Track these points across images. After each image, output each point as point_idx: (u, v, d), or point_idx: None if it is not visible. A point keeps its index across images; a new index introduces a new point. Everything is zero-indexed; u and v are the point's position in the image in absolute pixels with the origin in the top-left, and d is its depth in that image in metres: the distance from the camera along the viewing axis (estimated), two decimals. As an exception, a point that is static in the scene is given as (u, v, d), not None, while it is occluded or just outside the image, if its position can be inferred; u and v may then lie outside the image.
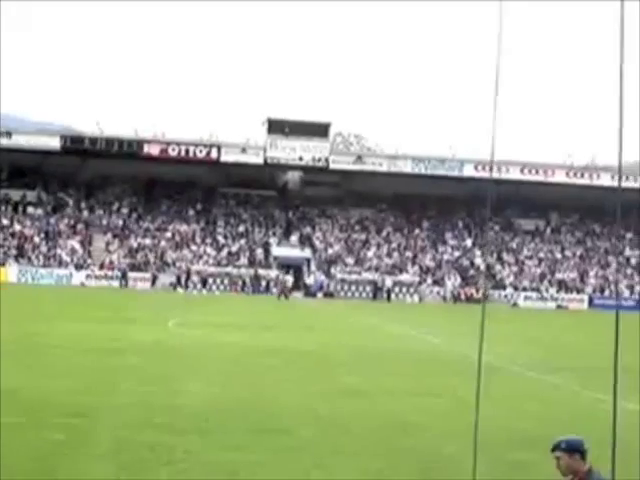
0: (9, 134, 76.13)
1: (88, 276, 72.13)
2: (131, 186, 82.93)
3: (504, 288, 77.04)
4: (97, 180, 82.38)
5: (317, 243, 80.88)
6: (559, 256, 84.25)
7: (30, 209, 79.38)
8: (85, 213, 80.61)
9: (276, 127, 79.57)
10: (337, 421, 18.06)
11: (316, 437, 16.47)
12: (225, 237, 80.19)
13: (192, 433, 16.14)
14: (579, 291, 79.41)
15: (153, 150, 78.51)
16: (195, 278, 72.47)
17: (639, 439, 15.40)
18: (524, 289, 78.14)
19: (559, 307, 75.84)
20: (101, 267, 73.70)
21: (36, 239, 76.01)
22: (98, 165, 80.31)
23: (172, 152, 78.60)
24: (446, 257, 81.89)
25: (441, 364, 29.24)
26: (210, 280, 72.75)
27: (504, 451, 15.33)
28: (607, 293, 78.93)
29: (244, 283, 73.18)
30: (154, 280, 72.52)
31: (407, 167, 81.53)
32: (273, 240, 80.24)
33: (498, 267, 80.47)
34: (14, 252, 73.79)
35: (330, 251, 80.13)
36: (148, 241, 78.01)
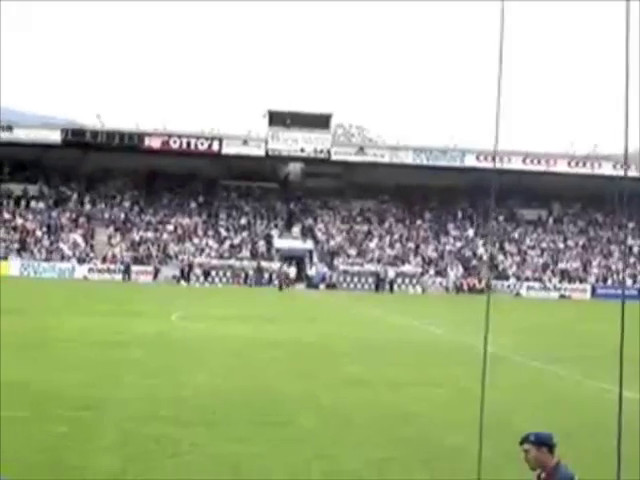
0: (10, 128, 76.14)
1: (91, 270, 72.18)
2: (132, 179, 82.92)
3: (507, 278, 77.03)
4: (99, 173, 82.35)
5: (319, 235, 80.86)
6: (562, 246, 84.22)
7: (32, 203, 79.38)
8: (87, 206, 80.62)
9: (277, 119, 79.52)
10: (340, 411, 18.05)
11: (319, 428, 16.47)
12: (227, 230, 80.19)
13: (197, 425, 16.15)
14: (582, 281, 79.38)
15: (154, 143, 78.50)
16: (198, 271, 72.50)
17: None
18: (527, 279, 78.13)
19: (562, 297, 75.82)
20: (103, 260, 73.72)
21: (38, 233, 76.05)
22: (99, 158, 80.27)
23: (173, 145, 78.59)
24: (448, 248, 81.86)
25: (444, 354, 29.25)
26: (213, 273, 72.80)
27: (507, 442, 15.31)
28: (610, 282, 78.95)
29: (247, 275, 73.20)
30: (156, 273, 72.55)
31: (409, 158, 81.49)
32: (275, 232, 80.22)
33: (501, 257, 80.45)
34: (16, 246, 73.85)
35: (332, 243, 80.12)
36: (150, 234, 78.03)
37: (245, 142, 79.84)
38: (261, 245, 77.98)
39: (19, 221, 77.00)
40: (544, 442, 7.17)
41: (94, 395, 18.60)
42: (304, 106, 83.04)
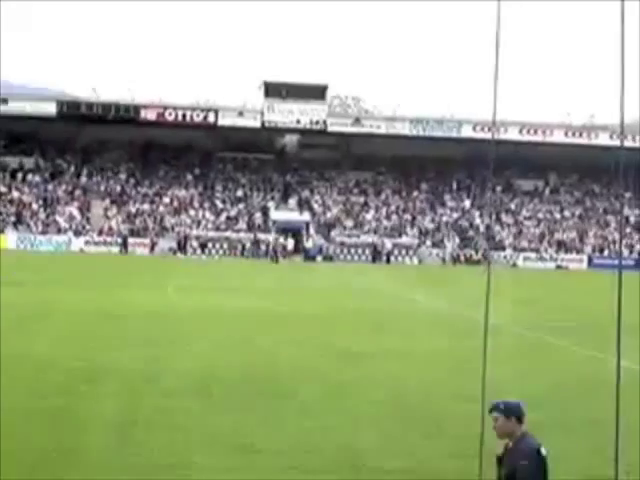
0: (5, 101, 75.89)
1: (87, 242, 72.16)
2: (128, 151, 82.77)
3: (503, 249, 77.10)
4: (94, 146, 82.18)
5: (316, 207, 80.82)
6: (558, 216, 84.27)
7: (28, 176, 79.23)
8: (83, 179, 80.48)
9: (273, 90, 79.28)
10: (339, 383, 18.11)
11: (318, 399, 16.53)
12: (223, 202, 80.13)
13: (195, 396, 16.20)
14: (578, 251, 79.49)
15: (150, 115, 78.31)
16: (194, 243, 72.51)
17: (639, 397, 15.45)
18: (523, 250, 78.20)
19: (558, 267, 75.93)
20: (100, 233, 73.69)
21: (34, 206, 75.96)
22: (95, 130, 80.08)
23: (169, 117, 78.43)
24: (445, 219, 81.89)
25: (442, 325, 29.34)
26: (209, 245, 72.78)
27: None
28: (606, 253, 79.08)
29: (243, 247, 73.21)
30: (153, 246, 72.55)
31: (405, 129, 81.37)
32: (271, 204, 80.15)
33: (497, 228, 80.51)
34: (13, 219, 73.79)
35: (329, 214, 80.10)
36: (146, 206, 77.97)
37: (241, 114, 79.67)
38: (257, 217, 77.95)
39: (15, 194, 76.90)
40: (512, 412, 7.20)
41: (92, 367, 18.66)
42: (300, 77, 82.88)
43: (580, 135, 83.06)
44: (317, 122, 79.63)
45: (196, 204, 79.26)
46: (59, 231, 73.32)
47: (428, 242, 77.89)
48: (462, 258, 75.67)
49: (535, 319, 32.09)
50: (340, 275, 55.91)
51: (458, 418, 14.76)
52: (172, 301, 34.09)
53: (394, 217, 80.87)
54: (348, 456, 12.71)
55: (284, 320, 29.16)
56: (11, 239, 70.84)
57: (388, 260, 73.02)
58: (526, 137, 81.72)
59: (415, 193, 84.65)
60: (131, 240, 72.18)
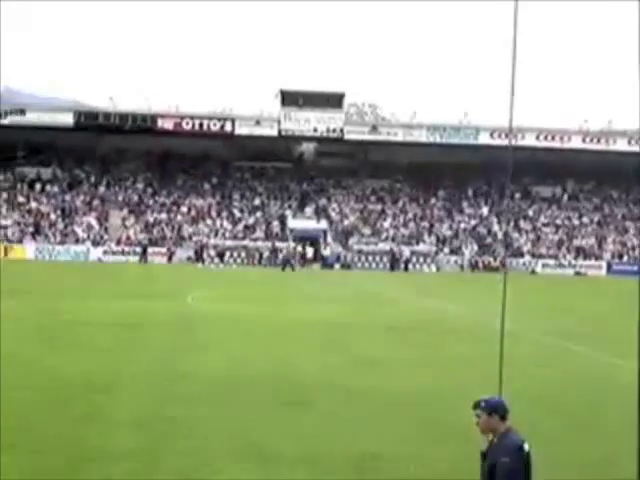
0: (23, 111, 76.22)
1: (105, 252, 72.33)
2: (146, 161, 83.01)
3: (522, 256, 76.83)
4: (112, 155, 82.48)
5: (333, 214, 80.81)
6: (576, 222, 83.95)
7: (46, 186, 79.54)
8: (101, 189, 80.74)
9: (290, 98, 79.35)
10: (358, 391, 18.07)
11: (337, 407, 16.50)
12: (241, 210, 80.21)
13: (213, 406, 16.20)
14: (597, 257, 79.14)
15: (167, 124, 78.50)
16: (212, 252, 72.52)
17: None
18: (542, 256, 77.91)
19: (577, 274, 75.61)
20: (118, 243, 73.86)
21: (52, 216, 76.23)
22: (112, 140, 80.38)
23: (186, 126, 78.58)
24: (463, 226, 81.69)
25: (461, 332, 29.25)
26: (227, 254, 72.78)
27: (527, 418, 15.29)
28: (625, 259, 78.73)
29: (261, 256, 73.21)
30: (171, 255, 72.66)
31: (422, 136, 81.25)
32: (289, 212, 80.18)
33: (515, 235, 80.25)
34: (31, 229, 74.06)
35: (346, 222, 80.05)
36: (164, 216, 78.13)
37: (258, 122, 79.77)
38: (275, 226, 77.98)
39: (33, 205, 77.21)
40: (495, 409, 7.32)
41: (111, 376, 18.68)
42: (317, 85, 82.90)
43: (598, 141, 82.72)
44: (334, 130, 79.64)
45: (214, 213, 79.38)
46: (77, 241, 73.54)
47: (446, 249, 77.72)
48: (480, 265, 75.45)
49: (554, 326, 31.95)
50: (358, 283, 55.81)
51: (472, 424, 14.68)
52: (191, 310, 34.10)
53: (411, 224, 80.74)
54: (367, 463, 12.68)
55: (302, 328, 29.13)
56: (29, 249, 71.09)
57: (406, 268, 72.86)
58: (543, 143, 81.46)
59: (432, 200, 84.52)
60: (149, 250, 72.28)
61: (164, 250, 72.95)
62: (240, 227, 77.67)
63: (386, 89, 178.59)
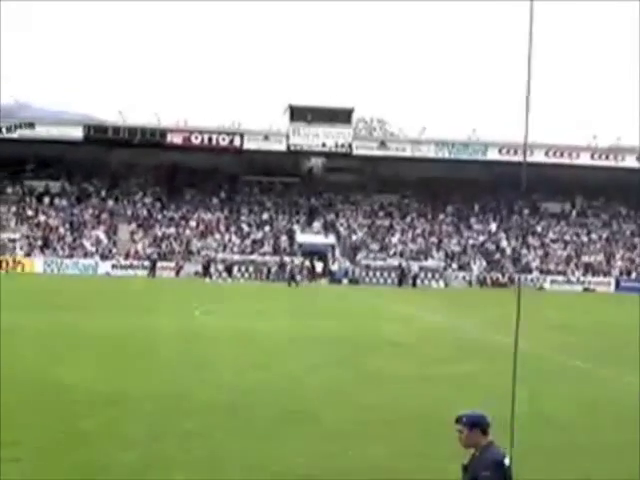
0: (32, 125, 76.37)
1: (114, 266, 72.35)
2: (154, 175, 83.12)
3: (530, 272, 76.68)
4: (121, 169, 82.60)
5: (341, 230, 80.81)
6: (585, 239, 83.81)
7: (55, 200, 79.70)
8: (109, 203, 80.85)
9: (298, 114, 79.46)
10: (365, 407, 18.02)
11: (344, 423, 16.45)
12: (249, 225, 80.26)
13: (220, 420, 16.15)
14: (606, 274, 78.97)
15: (176, 139, 78.61)
16: (220, 266, 72.49)
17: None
18: (550, 272, 77.76)
19: (586, 290, 75.44)
20: (126, 257, 73.90)
21: (61, 230, 76.35)
22: (121, 154, 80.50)
23: (195, 140, 78.68)
24: (471, 241, 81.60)
25: (468, 349, 29.16)
26: (235, 268, 72.73)
27: (535, 435, 15.23)
28: (634, 275, 78.58)
29: (269, 271, 73.18)
30: (179, 269, 72.67)
31: (431, 152, 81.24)
32: (297, 227, 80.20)
33: (524, 251, 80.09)
34: (39, 243, 74.16)
35: (354, 237, 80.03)
36: (172, 230, 78.20)
37: (266, 137, 79.87)
38: (283, 240, 77.98)
39: (42, 218, 77.34)
40: (476, 424, 7.47)
41: (119, 391, 18.66)
42: (325, 100, 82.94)
43: (607, 157, 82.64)
44: (342, 145, 79.71)
45: (222, 227, 79.42)
46: (86, 255, 73.61)
47: (454, 265, 77.63)
48: (488, 281, 75.32)
49: (562, 342, 31.85)
50: (366, 298, 55.74)
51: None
52: (199, 324, 34.07)
53: (420, 240, 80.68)
54: (376, 478, 12.63)
55: (309, 343, 29.09)
56: (38, 263, 71.18)
57: (414, 283, 72.71)
58: (552, 159, 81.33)
59: (441, 216, 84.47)
60: (157, 264, 72.28)
61: (172, 264, 72.97)
62: (248, 242, 77.69)
63: (394, 105, 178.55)
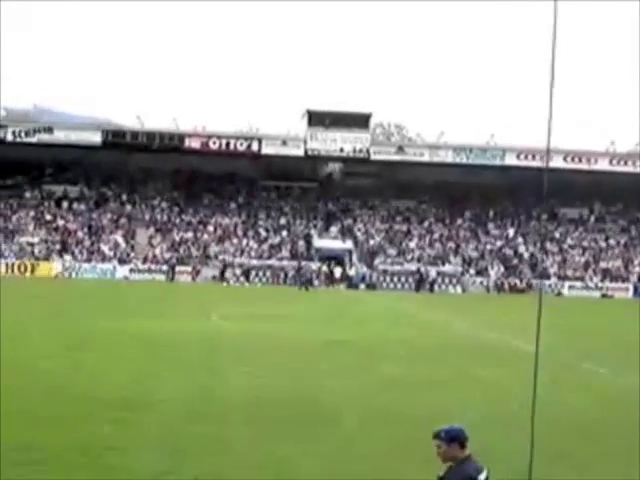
0: (50, 129, 76.62)
1: (132, 270, 72.53)
2: (172, 180, 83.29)
3: (548, 278, 76.42)
4: (139, 174, 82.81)
5: (359, 234, 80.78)
6: (603, 244, 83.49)
7: (73, 204, 79.98)
8: (128, 207, 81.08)
9: (316, 119, 79.50)
10: (384, 411, 18.00)
11: (362, 427, 16.44)
12: (267, 230, 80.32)
13: (239, 424, 16.17)
14: (624, 280, 78.64)
15: (194, 143, 78.76)
16: (237, 271, 72.56)
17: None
18: (568, 278, 77.49)
19: (604, 296, 75.14)
20: (144, 261, 74.07)
21: (79, 234, 76.61)
22: (140, 159, 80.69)
23: (213, 145, 78.80)
24: (489, 247, 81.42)
25: (486, 354, 29.09)
26: (252, 273, 72.81)
27: (553, 440, 15.18)
28: (652, 281, 78.21)
29: (286, 275, 73.19)
30: (197, 274, 72.77)
31: (448, 157, 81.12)
32: (314, 232, 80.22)
33: (542, 256, 79.83)
34: (58, 247, 74.42)
35: (372, 242, 79.99)
36: (190, 235, 78.35)
37: (284, 142, 79.92)
38: (300, 245, 78.00)
39: (60, 222, 77.62)
40: (454, 438, 7.55)
41: (137, 395, 18.70)
42: (343, 105, 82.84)
43: (625, 163, 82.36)
44: (360, 150, 79.70)
45: (239, 232, 79.52)
46: (104, 259, 73.83)
47: (472, 270, 77.45)
48: (506, 286, 75.10)
49: (581, 348, 31.74)
50: (384, 303, 55.69)
51: (505, 449, 14.58)
52: (217, 329, 34.11)
53: (437, 245, 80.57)
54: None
55: (326, 347, 29.07)
56: (56, 267, 71.43)
57: (432, 288, 72.60)
58: (571, 165, 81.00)
59: (459, 221, 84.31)
60: (176, 268, 72.43)
61: (189, 269, 73.10)
62: (266, 246, 77.75)
63: (412, 109, 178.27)
